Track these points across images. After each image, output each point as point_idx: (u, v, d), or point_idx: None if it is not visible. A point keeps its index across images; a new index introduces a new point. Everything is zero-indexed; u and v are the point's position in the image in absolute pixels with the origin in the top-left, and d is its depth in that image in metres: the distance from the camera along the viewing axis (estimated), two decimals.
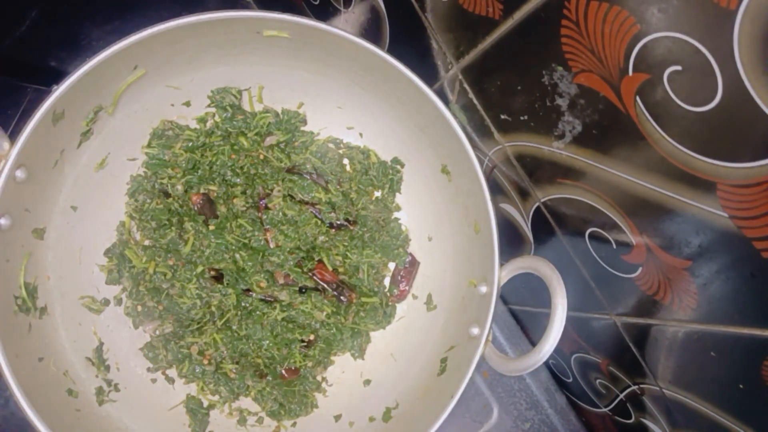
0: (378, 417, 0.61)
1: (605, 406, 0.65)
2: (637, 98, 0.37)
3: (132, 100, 0.56)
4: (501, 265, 0.53)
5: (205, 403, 0.62)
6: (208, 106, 0.62)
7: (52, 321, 0.55)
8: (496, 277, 0.52)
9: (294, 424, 0.63)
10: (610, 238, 0.48)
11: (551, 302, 0.49)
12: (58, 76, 0.48)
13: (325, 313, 0.63)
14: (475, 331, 0.54)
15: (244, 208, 0.62)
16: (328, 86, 0.61)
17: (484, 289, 0.55)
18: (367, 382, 0.64)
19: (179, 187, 0.61)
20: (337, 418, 0.63)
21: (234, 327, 0.62)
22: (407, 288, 0.66)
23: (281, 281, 0.62)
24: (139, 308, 0.61)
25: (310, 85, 0.61)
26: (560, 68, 0.41)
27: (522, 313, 0.73)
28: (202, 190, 0.62)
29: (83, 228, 0.58)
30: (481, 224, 0.54)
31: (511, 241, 0.64)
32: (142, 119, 0.59)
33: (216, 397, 0.62)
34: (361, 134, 0.65)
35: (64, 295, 0.57)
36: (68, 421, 0.51)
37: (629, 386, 0.57)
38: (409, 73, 0.52)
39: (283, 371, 0.62)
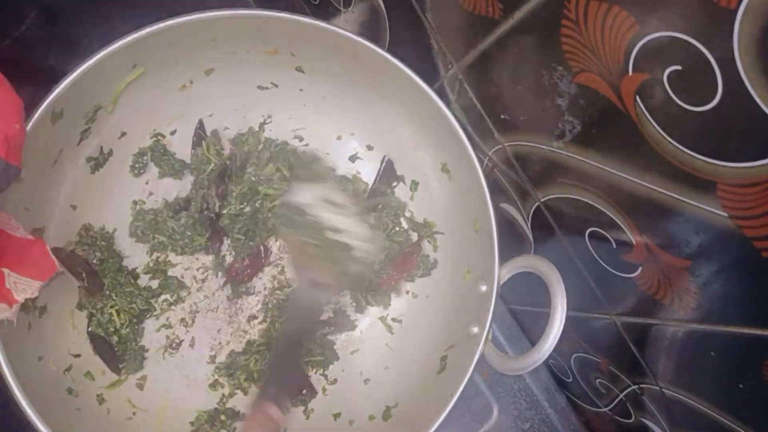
0: (378, 416, 0.61)
1: (605, 406, 0.65)
2: (637, 98, 0.37)
3: (131, 99, 0.56)
4: (501, 263, 0.53)
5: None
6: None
7: (52, 320, 0.55)
8: (495, 275, 0.52)
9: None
10: (610, 238, 0.48)
11: (551, 301, 0.49)
12: (58, 76, 0.48)
13: None
14: (475, 329, 0.54)
15: None
16: (327, 85, 0.61)
17: (483, 287, 0.55)
18: (367, 380, 0.64)
19: None
20: (337, 416, 0.63)
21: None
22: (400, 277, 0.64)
23: None
24: None
25: (309, 85, 0.62)
26: (560, 68, 0.41)
27: (522, 313, 0.72)
28: None
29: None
30: (481, 223, 0.54)
31: (511, 241, 0.64)
32: (141, 118, 0.59)
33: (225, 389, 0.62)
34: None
35: (63, 293, 0.57)
36: (68, 421, 0.51)
37: (629, 386, 0.57)
38: (409, 73, 0.52)
39: None
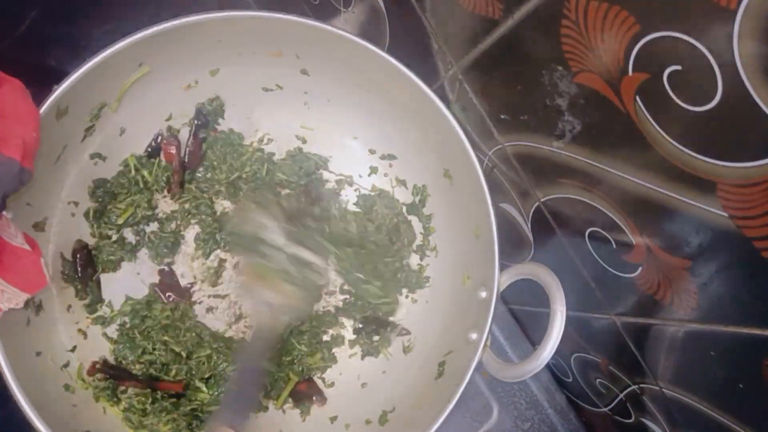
0: (374, 420, 0.61)
1: (605, 406, 0.65)
2: (637, 98, 0.37)
3: (136, 98, 0.56)
4: (501, 269, 0.53)
5: None
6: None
7: (50, 316, 0.55)
8: (495, 282, 0.52)
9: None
10: (610, 238, 0.48)
11: (550, 309, 0.49)
12: (58, 76, 0.48)
13: None
14: (474, 336, 0.54)
15: None
16: (329, 87, 0.61)
17: (483, 294, 0.55)
18: (364, 384, 0.64)
19: None
20: (333, 419, 0.63)
21: None
22: None
23: None
24: None
25: (311, 86, 0.62)
26: (560, 68, 0.41)
27: (522, 313, 0.72)
28: None
29: (84, 224, 0.59)
30: (482, 229, 0.54)
31: (511, 241, 0.64)
32: (145, 116, 0.59)
33: None
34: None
35: (62, 290, 0.57)
36: (65, 417, 0.51)
37: (629, 386, 0.57)
38: (409, 73, 0.52)
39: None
